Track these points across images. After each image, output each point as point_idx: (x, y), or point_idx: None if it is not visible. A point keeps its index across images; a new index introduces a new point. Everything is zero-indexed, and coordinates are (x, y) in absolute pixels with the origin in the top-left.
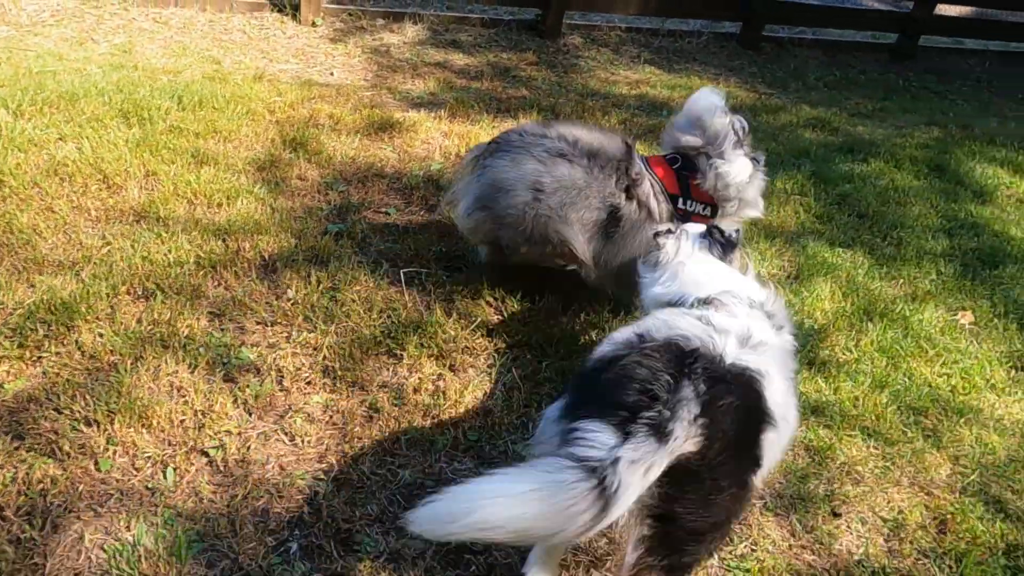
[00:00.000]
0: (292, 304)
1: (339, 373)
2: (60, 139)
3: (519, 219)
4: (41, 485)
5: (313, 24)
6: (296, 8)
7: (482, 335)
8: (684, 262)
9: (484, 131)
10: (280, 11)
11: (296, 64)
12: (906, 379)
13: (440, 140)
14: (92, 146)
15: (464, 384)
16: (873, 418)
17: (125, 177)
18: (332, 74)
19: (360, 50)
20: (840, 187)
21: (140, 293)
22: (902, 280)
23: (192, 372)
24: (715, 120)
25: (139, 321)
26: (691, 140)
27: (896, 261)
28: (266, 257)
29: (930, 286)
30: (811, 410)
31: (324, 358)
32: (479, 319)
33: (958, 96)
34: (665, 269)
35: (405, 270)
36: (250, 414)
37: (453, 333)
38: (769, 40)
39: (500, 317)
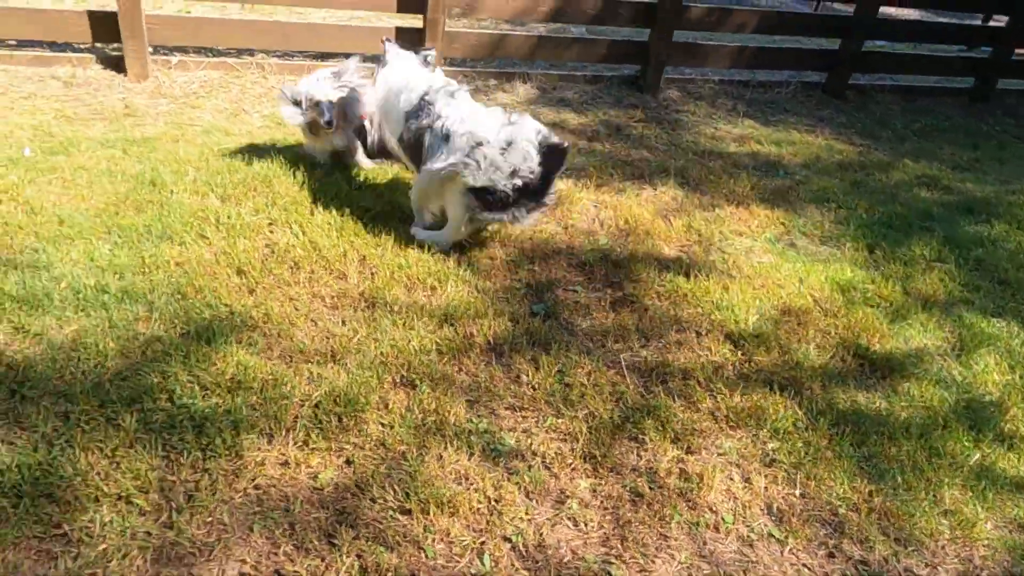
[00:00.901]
0: (531, 388)
1: (598, 458)
2: (271, 223)
3: None
4: (389, 574)
5: None
6: None
7: (706, 417)
8: None
9: (631, 201)
10: None
11: None
12: None
13: (594, 212)
14: (303, 230)
15: (706, 467)
16: None
17: (344, 262)
18: None
19: None
20: (974, 252)
21: (400, 382)
22: None
23: (470, 459)
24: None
25: (409, 410)
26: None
27: None
28: (492, 341)
29: None
30: (1014, 486)
31: (579, 443)
32: (696, 400)
33: None
34: None
35: (625, 355)
36: (531, 499)
37: (681, 415)
38: (852, 88)
39: (713, 400)
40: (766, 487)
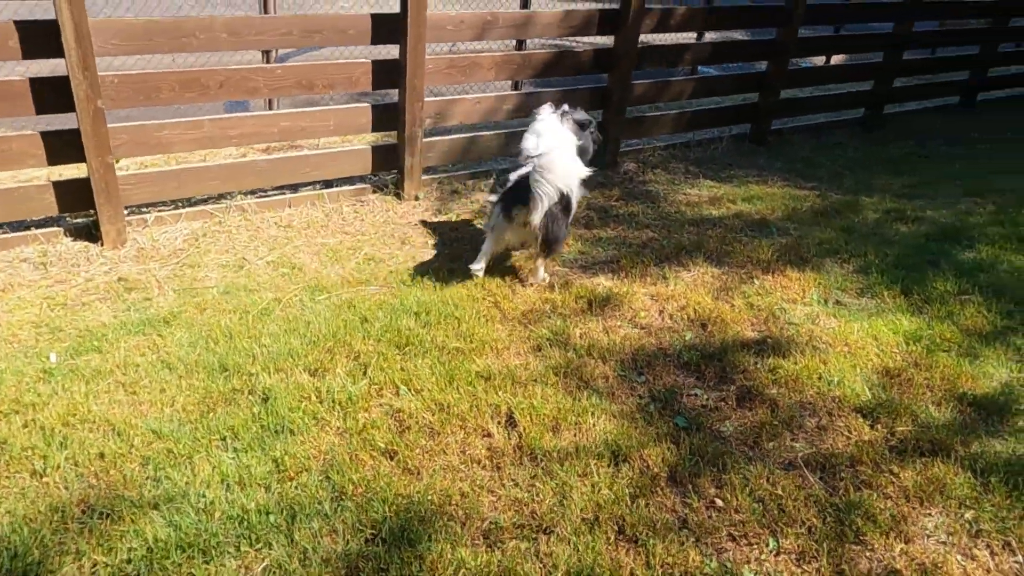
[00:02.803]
0: (734, 512)
1: (846, 573)
2: (377, 387)
3: None
4: None
5: (416, 198)
6: (398, 185)
7: (900, 501)
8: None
9: (680, 287)
10: (381, 191)
11: (435, 248)
12: None
13: (656, 306)
14: (415, 390)
15: (933, 554)
16: None
17: (478, 416)
18: None
19: (470, 215)
20: (980, 278)
21: (618, 538)
22: None
23: None
24: None
25: (649, 567)
26: None
27: None
28: (670, 470)
29: None
30: None
31: (820, 561)
32: (880, 485)
33: (946, 157)
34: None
35: (786, 453)
36: None
37: (880, 505)
38: (771, 133)
39: (893, 483)
40: (992, 559)
